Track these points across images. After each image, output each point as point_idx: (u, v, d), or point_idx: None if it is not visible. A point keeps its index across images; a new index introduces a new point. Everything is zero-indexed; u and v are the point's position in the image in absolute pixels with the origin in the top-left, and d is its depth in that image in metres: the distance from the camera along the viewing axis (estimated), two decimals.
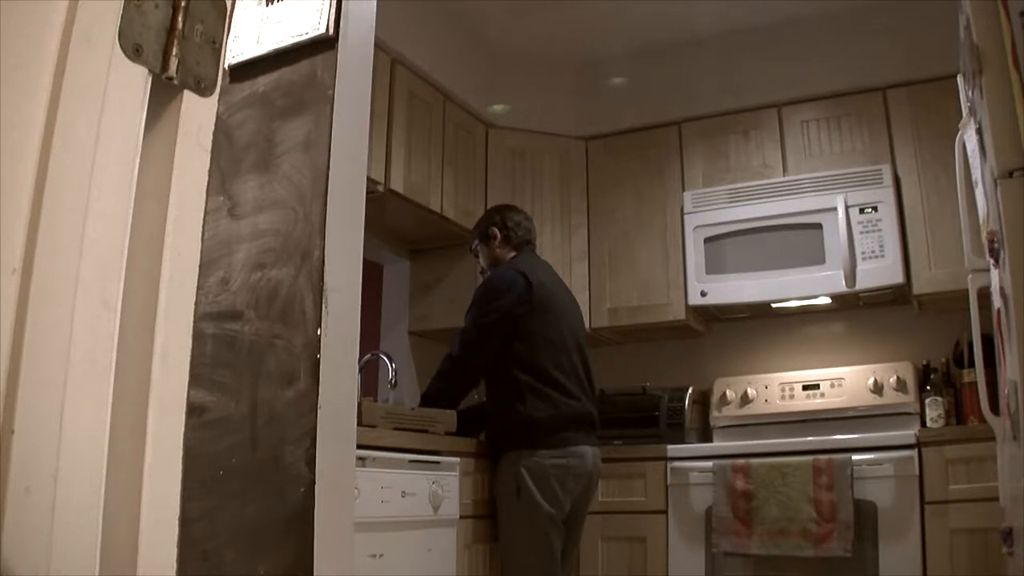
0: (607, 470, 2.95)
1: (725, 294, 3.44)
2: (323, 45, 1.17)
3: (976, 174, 2.17)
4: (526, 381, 2.63)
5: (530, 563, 2.56)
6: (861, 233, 3.23)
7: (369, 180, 2.14)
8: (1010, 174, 1.69)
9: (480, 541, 2.68)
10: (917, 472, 2.78)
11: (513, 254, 2.90)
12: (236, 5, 1.16)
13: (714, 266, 3.46)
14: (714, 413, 3.58)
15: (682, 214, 3.59)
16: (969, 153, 2.26)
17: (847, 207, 3.25)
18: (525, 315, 2.68)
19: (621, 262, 3.70)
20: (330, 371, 1.07)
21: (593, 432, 2.75)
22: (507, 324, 2.67)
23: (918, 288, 3.18)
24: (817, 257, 3.29)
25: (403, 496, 2.34)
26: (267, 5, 1.22)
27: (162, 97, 0.89)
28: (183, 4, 0.90)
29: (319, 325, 1.07)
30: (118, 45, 0.81)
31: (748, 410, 3.52)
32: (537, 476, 2.56)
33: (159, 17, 0.87)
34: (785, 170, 3.49)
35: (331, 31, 1.16)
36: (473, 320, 2.72)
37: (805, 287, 3.32)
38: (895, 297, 3.36)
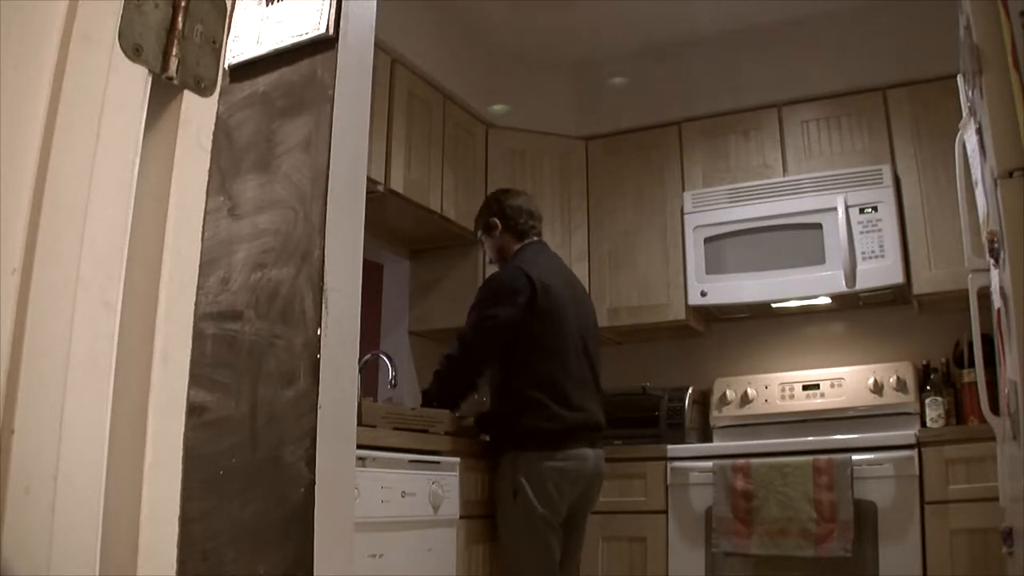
0: (607, 470, 2.94)
1: (725, 294, 3.44)
2: (323, 45, 1.17)
3: (976, 174, 2.17)
4: (527, 393, 2.58)
5: (526, 565, 2.55)
6: (861, 233, 3.23)
7: (369, 180, 2.14)
8: (1010, 174, 1.69)
9: (480, 541, 2.68)
10: (917, 472, 2.78)
11: (518, 245, 2.82)
12: (236, 5, 1.16)
13: (714, 266, 3.46)
14: (714, 413, 3.58)
15: (682, 214, 3.59)
16: (969, 153, 2.26)
17: (847, 207, 3.25)
18: (527, 321, 2.61)
19: (621, 262, 3.70)
20: (330, 371, 1.07)
21: (597, 434, 2.71)
22: (507, 331, 2.61)
23: (918, 288, 3.18)
24: (817, 257, 3.29)
25: (403, 496, 2.34)
26: (267, 5, 1.22)
27: (162, 97, 0.89)
28: (183, 4, 0.90)
29: (319, 325, 1.07)
30: (118, 45, 0.81)
31: (748, 410, 3.52)
32: (534, 479, 2.54)
33: (159, 17, 0.87)
34: (785, 170, 3.49)
35: (331, 31, 1.16)
36: (472, 324, 2.66)
37: (805, 287, 3.32)
38: (895, 297, 3.36)
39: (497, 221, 2.84)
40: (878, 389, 3.31)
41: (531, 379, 2.60)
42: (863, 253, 3.22)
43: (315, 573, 0.99)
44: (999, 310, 1.95)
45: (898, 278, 3.17)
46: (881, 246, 3.20)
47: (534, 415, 2.57)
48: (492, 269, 3.65)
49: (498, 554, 2.66)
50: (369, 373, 3.47)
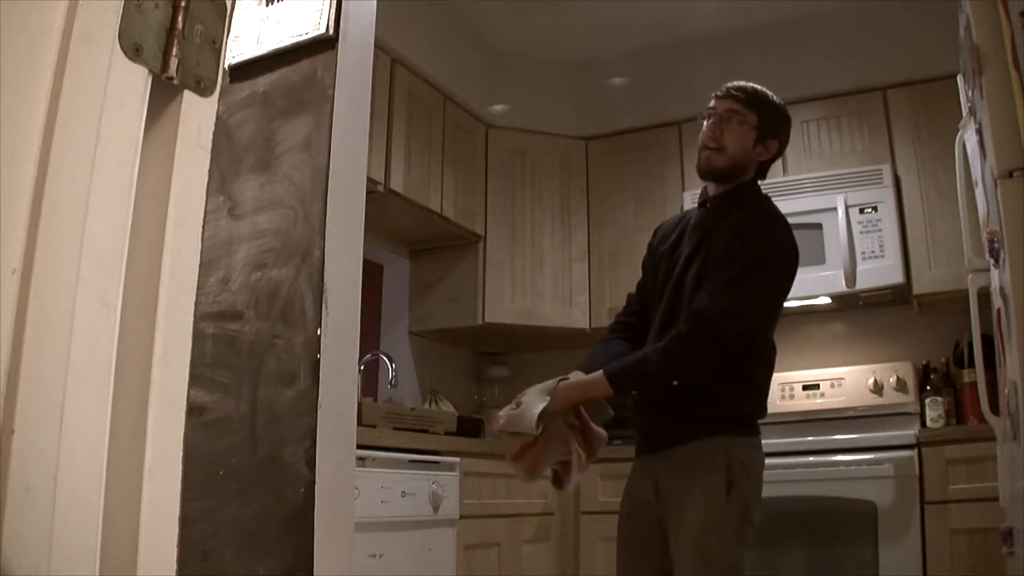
0: (606, 470, 2.94)
1: None
2: (323, 45, 1.17)
3: (976, 174, 2.17)
4: None
5: None
6: (861, 233, 3.23)
7: (369, 180, 2.14)
8: (1010, 174, 1.69)
9: (480, 542, 2.68)
10: (917, 472, 2.78)
11: None
12: (236, 5, 1.16)
13: None
14: None
15: None
16: (969, 153, 2.26)
17: (847, 207, 3.24)
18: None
19: (621, 262, 3.69)
20: (330, 371, 1.07)
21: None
22: None
23: (918, 288, 3.18)
24: (817, 257, 3.29)
25: (403, 496, 2.34)
26: (267, 5, 1.22)
27: (162, 97, 0.89)
28: (183, 4, 0.90)
29: (319, 325, 1.07)
30: (118, 45, 0.81)
31: None
32: None
33: (159, 17, 0.87)
34: (785, 170, 3.49)
35: (331, 31, 1.16)
36: None
37: (805, 287, 3.30)
38: (895, 297, 3.36)
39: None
40: (878, 389, 3.31)
41: None
42: (863, 253, 3.21)
43: (315, 573, 0.99)
44: (999, 310, 1.95)
45: (898, 278, 3.17)
46: (881, 246, 3.20)
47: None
48: (491, 269, 3.65)
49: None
50: (369, 373, 3.47)
